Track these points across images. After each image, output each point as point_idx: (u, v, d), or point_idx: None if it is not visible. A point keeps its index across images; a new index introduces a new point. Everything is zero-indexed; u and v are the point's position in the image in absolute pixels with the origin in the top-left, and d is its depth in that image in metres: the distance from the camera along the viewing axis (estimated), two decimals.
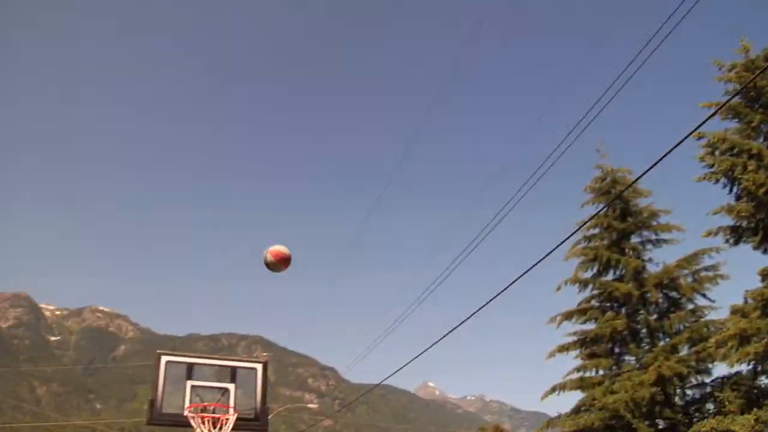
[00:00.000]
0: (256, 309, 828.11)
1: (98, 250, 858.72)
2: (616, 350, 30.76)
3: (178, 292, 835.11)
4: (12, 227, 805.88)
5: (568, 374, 30.98)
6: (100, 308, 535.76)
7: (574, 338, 31.11)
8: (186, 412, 6.79)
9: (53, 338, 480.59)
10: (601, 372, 30.25)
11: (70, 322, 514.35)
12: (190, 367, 7.16)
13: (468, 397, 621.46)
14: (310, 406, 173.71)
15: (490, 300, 12.72)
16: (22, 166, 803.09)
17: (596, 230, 32.09)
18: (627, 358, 30.54)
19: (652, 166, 10.54)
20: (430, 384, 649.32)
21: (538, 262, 11.38)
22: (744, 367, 24.85)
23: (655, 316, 30.01)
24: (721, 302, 28.77)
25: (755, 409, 22.71)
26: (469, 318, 13.24)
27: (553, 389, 30.90)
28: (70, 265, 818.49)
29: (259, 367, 7.42)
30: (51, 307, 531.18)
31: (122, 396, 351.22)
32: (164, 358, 7.17)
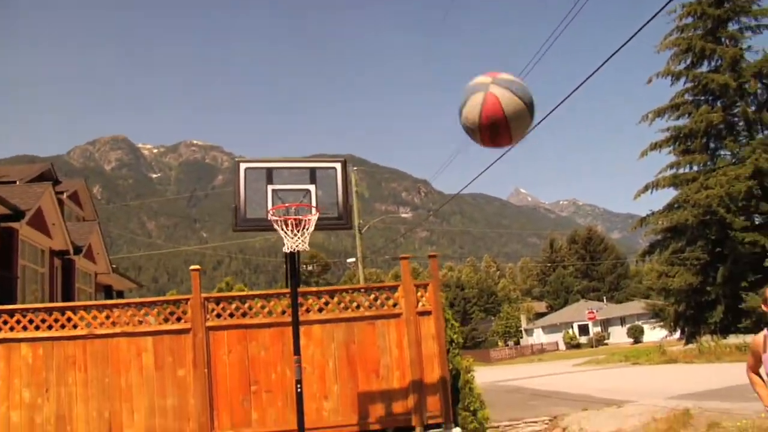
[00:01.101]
0: (345, 128, 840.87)
1: (187, 86, 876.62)
2: (711, 145, 29.92)
3: (264, 120, 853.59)
4: (102, 72, 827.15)
5: (660, 172, 30.54)
6: (195, 142, 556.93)
7: (667, 135, 30.35)
8: (269, 216, 6.89)
9: (154, 175, 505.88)
10: (695, 168, 29.67)
11: (167, 159, 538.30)
12: (270, 171, 7.20)
13: (561, 202, 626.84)
14: (404, 215, 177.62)
15: (574, 90, 12.15)
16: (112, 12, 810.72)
17: (690, 19, 30.22)
18: (723, 153, 29.72)
19: None
20: (522, 190, 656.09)
21: (622, 46, 10.62)
22: None
23: (753, 108, 28.71)
24: None
25: None
26: (554, 110, 12.75)
27: (646, 188, 30.59)
28: (159, 102, 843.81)
29: (338, 166, 7.38)
30: (148, 146, 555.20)
31: (225, 222, 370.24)
32: (243, 165, 7.22)
